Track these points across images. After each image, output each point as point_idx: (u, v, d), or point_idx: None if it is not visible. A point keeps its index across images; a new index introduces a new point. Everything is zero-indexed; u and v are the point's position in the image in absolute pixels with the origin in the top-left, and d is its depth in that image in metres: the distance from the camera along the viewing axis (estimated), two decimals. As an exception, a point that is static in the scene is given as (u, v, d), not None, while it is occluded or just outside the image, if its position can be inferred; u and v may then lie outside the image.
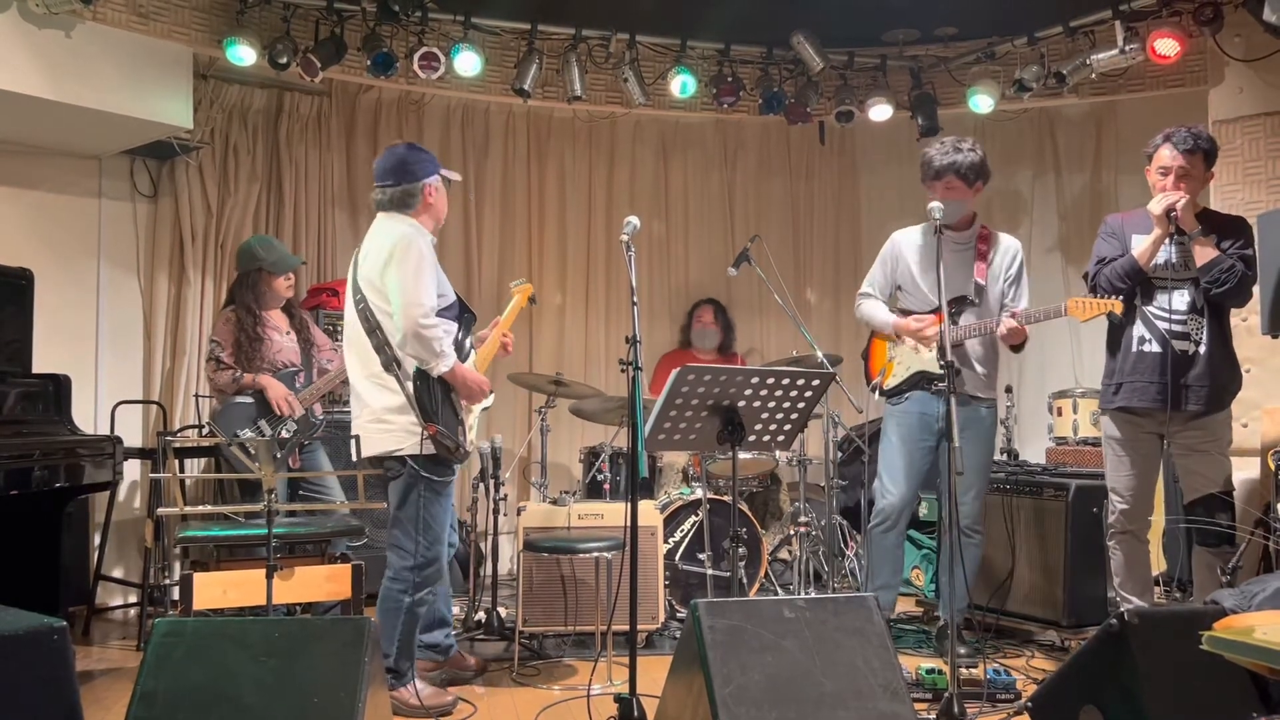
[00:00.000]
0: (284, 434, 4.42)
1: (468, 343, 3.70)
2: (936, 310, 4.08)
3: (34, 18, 4.30)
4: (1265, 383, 4.55)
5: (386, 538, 3.54)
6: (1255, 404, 4.47)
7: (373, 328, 3.43)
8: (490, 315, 6.12)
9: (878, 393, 4.28)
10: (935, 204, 3.58)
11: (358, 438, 3.41)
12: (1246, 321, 4.36)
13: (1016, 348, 4.01)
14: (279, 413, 4.46)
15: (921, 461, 4.10)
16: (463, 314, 3.66)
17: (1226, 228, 3.73)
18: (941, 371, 3.98)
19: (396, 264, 3.37)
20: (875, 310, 4.26)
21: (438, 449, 3.40)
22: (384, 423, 3.43)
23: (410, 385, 3.39)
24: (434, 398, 3.40)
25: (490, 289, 6.26)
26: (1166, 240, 3.66)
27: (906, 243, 4.24)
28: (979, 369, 4.08)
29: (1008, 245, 4.14)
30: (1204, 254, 3.63)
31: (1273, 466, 3.62)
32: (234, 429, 4.38)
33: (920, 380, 4.10)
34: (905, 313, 4.19)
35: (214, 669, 2.44)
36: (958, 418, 4.04)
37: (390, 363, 3.41)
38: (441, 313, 3.48)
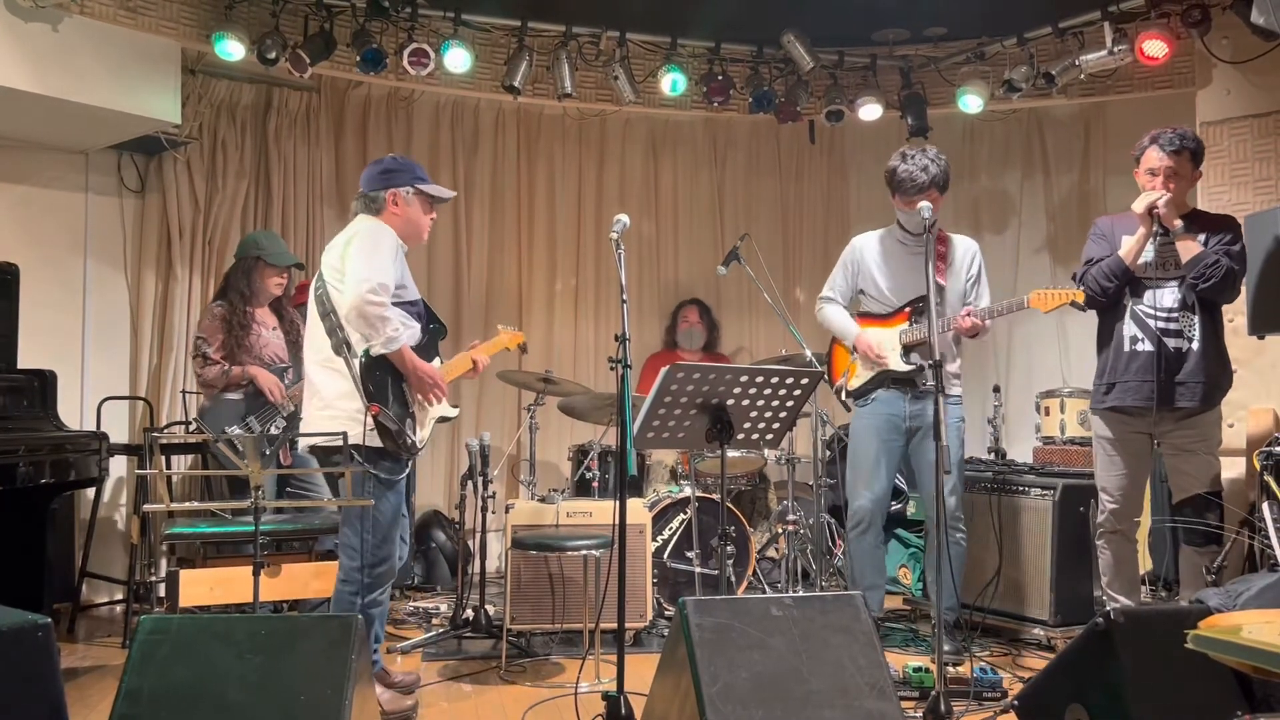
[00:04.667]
0: (273, 430, 4.41)
1: (437, 352, 3.66)
2: (897, 312, 4.18)
3: (21, 11, 4.27)
4: (1251, 383, 4.58)
5: (338, 538, 3.46)
6: (1241, 404, 4.50)
7: (327, 311, 3.40)
8: (478, 315, 6.21)
9: (843, 394, 4.35)
10: (925, 204, 3.60)
11: (345, 434, 3.36)
12: (1233, 322, 4.38)
13: (971, 335, 4.10)
14: (271, 400, 4.45)
15: (891, 461, 4.18)
16: (429, 323, 3.61)
17: (1215, 225, 3.76)
18: (906, 370, 4.08)
19: (356, 244, 3.37)
20: (837, 316, 4.37)
21: (380, 434, 3.32)
22: (331, 409, 3.37)
23: (358, 365, 3.33)
24: (381, 381, 3.35)
25: (479, 286, 6.26)
26: (1152, 238, 3.70)
27: (866, 247, 4.35)
28: (949, 367, 4.16)
29: (966, 246, 4.25)
30: (1188, 251, 3.66)
31: (1257, 466, 3.64)
32: (222, 426, 4.37)
33: (884, 380, 4.17)
34: (867, 315, 4.27)
35: (200, 666, 2.43)
36: (922, 415, 4.13)
37: (341, 345, 3.36)
38: (400, 306, 3.45)
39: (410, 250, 3.60)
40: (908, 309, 4.18)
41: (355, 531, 3.41)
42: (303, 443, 3.49)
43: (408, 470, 3.55)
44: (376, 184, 3.56)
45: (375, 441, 3.35)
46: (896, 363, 4.14)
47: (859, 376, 4.25)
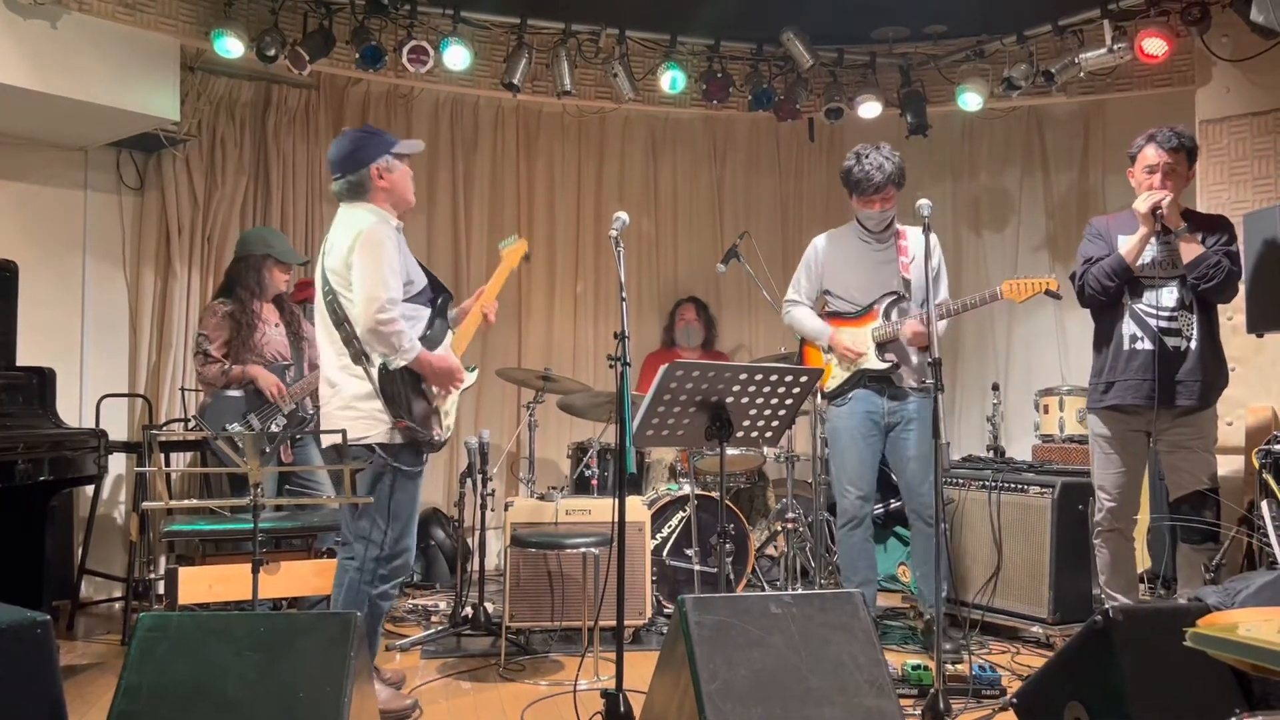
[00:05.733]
0: (274, 428, 4.41)
1: (447, 321, 3.64)
2: (866, 310, 4.21)
3: (19, 8, 4.26)
4: (1250, 381, 4.58)
5: (352, 528, 3.45)
6: (1240, 402, 4.50)
7: (340, 320, 3.38)
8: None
9: (819, 396, 4.35)
10: (924, 201, 3.59)
11: (344, 431, 3.36)
12: (1232, 320, 4.39)
13: (923, 349, 4.07)
14: (272, 399, 4.45)
15: (873, 457, 4.22)
16: (437, 295, 3.58)
17: (1210, 225, 3.78)
18: (882, 369, 4.07)
19: (358, 256, 3.33)
20: (806, 318, 4.37)
21: (409, 441, 3.37)
22: (352, 409, 3.37)
23: (377, 376, 3.34)
24: (403, 389, 3.35)
25: (479, 283, 6.23)
26: (1152, 238, 3.70)
27: (827, 248, 4.36)
28: (916, 360, 4.16)
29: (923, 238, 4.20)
30: (1190, 251, 3.66)
31: (1256, 464, 3.65)
32: (222, 423, 4.36)
33: (860, 379, 4.18)
34: (836, 315, 4.27)
35: (199, 664, 2.43)
36: (899, 410, 4.14)
37: (359, 355, 3.36)
38: (411, 299, 3.44)
39: (406, 225, 3.58)
40: (877, 306, 4.19)
41: (374, 522, 3.39)
42: (324, 441, 3.48)
43: (427, 462, 3.54)
44: (354, 165, 3.46)
45: (397, 438, 3.36)
46: (872, 361, 4.15)
47: (835, 377, 4.26)
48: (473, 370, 3.69)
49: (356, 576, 3.41)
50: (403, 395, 3.36)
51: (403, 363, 3.33)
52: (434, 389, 3.45)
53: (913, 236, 4.24)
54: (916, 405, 4.14)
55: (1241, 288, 3.83)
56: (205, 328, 4.53)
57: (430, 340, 3.47)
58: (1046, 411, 5.39)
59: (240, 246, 4.71)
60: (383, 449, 3.37)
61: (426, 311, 3.52)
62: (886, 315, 4.18)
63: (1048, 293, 3.94)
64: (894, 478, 5.12)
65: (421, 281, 3.52)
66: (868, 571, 4.23)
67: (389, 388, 3.34)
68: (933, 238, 4.21)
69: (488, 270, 6.21)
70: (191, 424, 4.79)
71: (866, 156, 4.11)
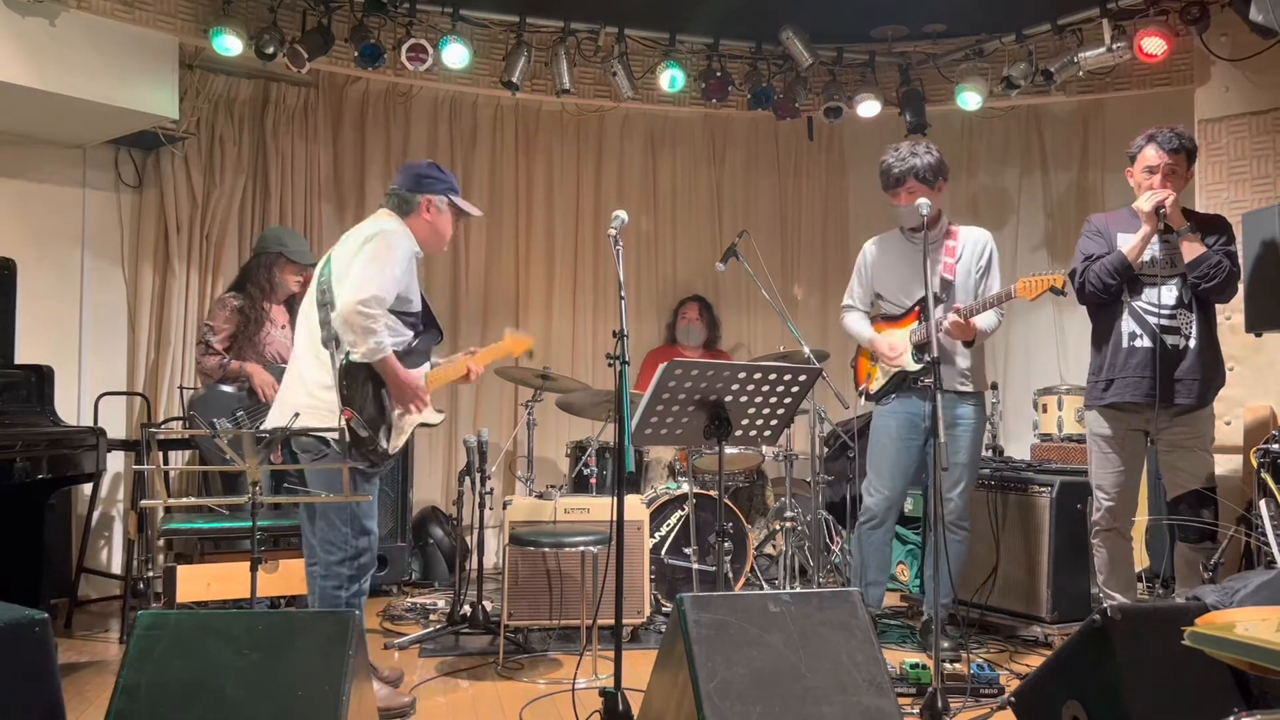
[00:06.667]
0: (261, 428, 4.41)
1: (429, 356, 3.62)
2: (908, 312, 4.16)
3: (18, 5, 4.26)
4: (1248, 380, 4.58)
5: (312, 532, 3.41)
6: (1239, 401, 4.51)
7: (326, 300, 3.38)
8: (476, 311, 6.21)
9: (864, 398, 4.36)
10: (923, 200, 3.60)
11: (342, 431, 3.34)
12: (1230, 320, 4.39)
13: (968, 343, 4.05)
14: (264, 399, 4.46)
15: (909, 460, 4.15)
16: (428, 328, 3.59)
17: (1209, 225, 3.78)
18: (918, 370, 4.07)
19: (371, 247, 3.34)
20: (856, 324, 4.37)
21: (351, 437, 3.30)
22: (314, 398, 3.35)
23: (340, 365, 3.31)
24: (360, 385, 3.31)
25: (477, 283, 6.25)
26: (1154, 237, 3.71)
27: (874, 250, 4.34)
28: (960, 363, 4.11)
29: (976, 237, 4.18)
30: (1192, 250, 3.67)
31: (1255, 464, 3.65)
32: (212, 416, 4.37)
33: (902, 381, 4.15)
34: (886, 317, 4.26)
35: (197, 662, 2.43)
36: (944, 414, 4.12)
37: (331, 339, 3.34)
38: (401, 316, 3.44)
39: (424, 257, 3.60)
40: (917, 308, 4.17)
41: (332, 525, 3.37)
42: (275, 419, 3.43)
43: (379, 466, 3.50)
44: (413, 186, 3.57)
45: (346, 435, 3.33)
46: (909, 363, 4.13)
47: (878, 380, 4.25)
48: (440, 414, 3.64)
49: (325, 584, 3.38)
50: (358, 394, 3.31)
51: (367, 358, 3.28)
52: (391, 400, 3.41)
53: (964, 235, 4.16)
54: (960, 411, 4.10)
55: (1240, 287, 3.84)
56: (213, 319, 4.57)
57: (403, 361, 3.41)
58: (1045, 411, 5.39)
59: (258, 244, 4.77)
60: (338, 444, 3.32)
61: (409, 335, 3.50)
62: (926, 316, 4.13)
63: (1052, 290, 3.91)
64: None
65: (418, 307, 3.53)
66: (878, 573, 4.19)
67: (347, 380, 3.30)
68: (984, 235, 4.20)
69: (486, 271, 6.26)
70: (188, 421, 4.79)
71: (896, 150, 4.07)
